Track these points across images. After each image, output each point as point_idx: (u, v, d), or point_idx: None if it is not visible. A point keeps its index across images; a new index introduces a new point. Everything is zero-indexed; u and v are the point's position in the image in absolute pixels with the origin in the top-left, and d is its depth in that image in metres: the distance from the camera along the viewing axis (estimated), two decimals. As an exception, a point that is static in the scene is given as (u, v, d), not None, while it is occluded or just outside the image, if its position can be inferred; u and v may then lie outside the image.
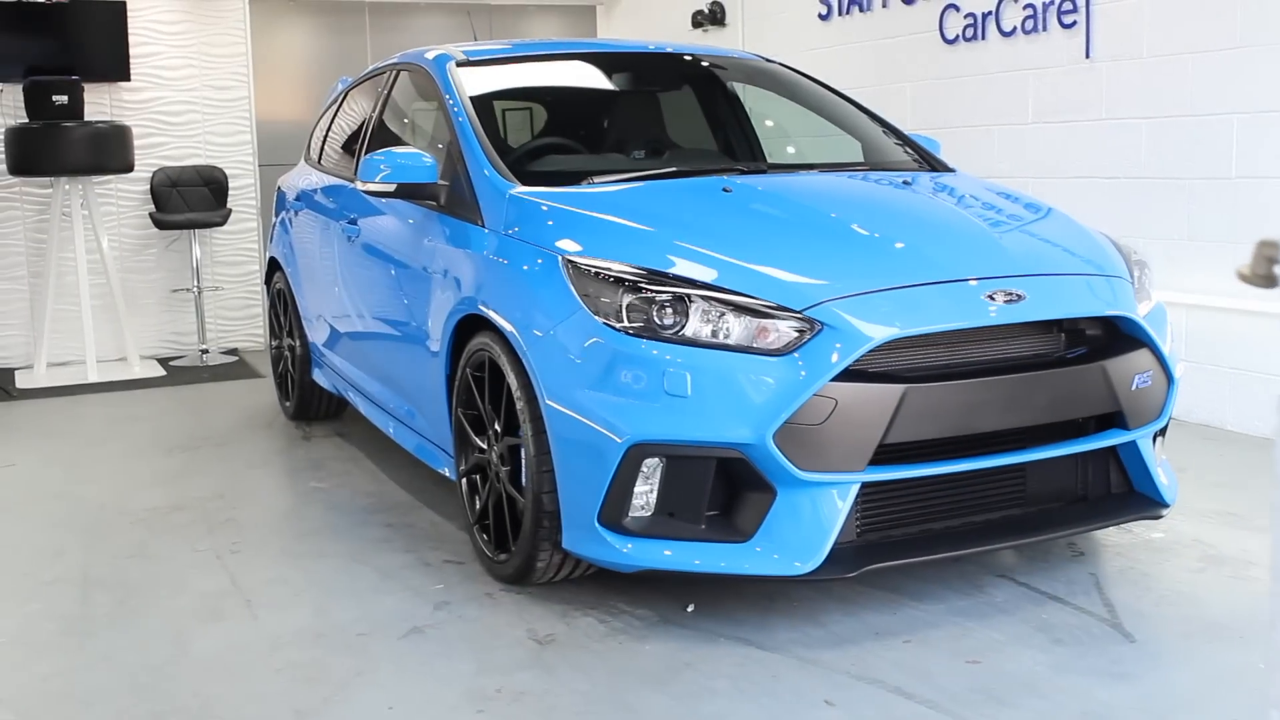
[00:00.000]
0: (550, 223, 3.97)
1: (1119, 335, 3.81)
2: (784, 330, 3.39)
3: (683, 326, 3.44)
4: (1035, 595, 3.82)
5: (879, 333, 3.38)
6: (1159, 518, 3.86)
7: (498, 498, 3.99)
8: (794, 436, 3.32)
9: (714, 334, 3.43)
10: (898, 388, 3.37)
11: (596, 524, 3.52)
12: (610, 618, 3.70)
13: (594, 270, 3.60)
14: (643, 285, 3.51)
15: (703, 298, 3.46)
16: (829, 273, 3.57)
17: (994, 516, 3.72)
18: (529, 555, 3.78)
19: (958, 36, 7.30)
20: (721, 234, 3.80)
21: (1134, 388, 3.74)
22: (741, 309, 3.43)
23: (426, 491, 5.08)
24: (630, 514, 3.49)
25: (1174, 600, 3.78)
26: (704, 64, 5.60)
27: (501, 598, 3.88)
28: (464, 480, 4.22)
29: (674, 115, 5.72)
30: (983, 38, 7.15)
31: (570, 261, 3.67)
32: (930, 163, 4.99)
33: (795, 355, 3.35)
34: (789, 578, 3.40)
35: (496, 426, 3.96)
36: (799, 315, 3.40)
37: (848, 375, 3.35)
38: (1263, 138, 5.66)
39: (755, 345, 3.39)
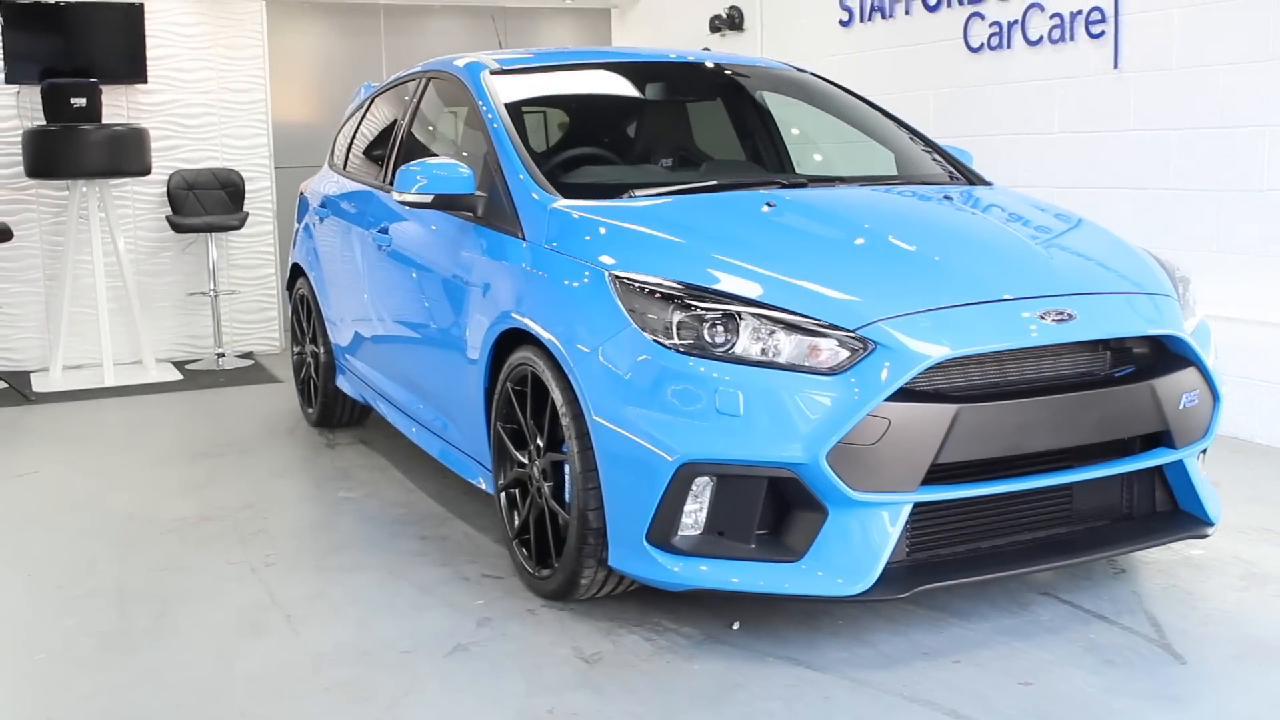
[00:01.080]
0: (593, 237, 3.95)
1: (1166, 354, 3.79)
2: (836, 349, 3.37)
3: (733, 344, 3.42)
4: (1081, 614, 3.80)
5: (932, 352, 3.36)
6: (1204, 536, 3.84)
7: (539, 513, 3.97)
8: (847, 456, 3.30)
9: (764, 352, 3.41)
10: (950, 407, 3.35)
11: (645, 542, 3.50)
12: (656, 635, 3.68)
13: (642, 286, 3.58)
14: (692, 302, 3.49)
15: (754, 315, 3.44)
16: (878, 291, 3.55)
17: (1040, 535, 3.71)
18: (573, 572, 3.76)
19: (982, 45, 7.29)
20: (768, 250, 3.78)
21: (1181, 407, 3.72)
22: (792, 327, 3.41)
23: (457, 502, 5.06)
24: (680, 532, 3.47)
25: (1220, 620, 3.76)
26: (735, 74, 5.59)
27: (544, 614, 3.86)
28: (503, 494, 4.20)
29: (703, 126, 5.70)
30: (1008, 47, 7.13)
31: (617, 277, 3.64)
32: (966, 176, 4.97)
33: (849, 374, 3.33)
34: (840, 598, 3.38)
35: (539, 441, 3.94)
36: (851, 334, 3.38)
37: (900, 395, 3.33)
38: (1295, 150, 5.66)
39: (807, 364, 3.37)
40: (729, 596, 3.65)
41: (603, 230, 3.97)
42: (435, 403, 4.85)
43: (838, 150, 5.69)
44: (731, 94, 5.67)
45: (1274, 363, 5.76)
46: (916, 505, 3.41)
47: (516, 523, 4.12)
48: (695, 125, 5.67)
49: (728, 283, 3.57)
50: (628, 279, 3.62)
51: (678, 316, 3.48)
